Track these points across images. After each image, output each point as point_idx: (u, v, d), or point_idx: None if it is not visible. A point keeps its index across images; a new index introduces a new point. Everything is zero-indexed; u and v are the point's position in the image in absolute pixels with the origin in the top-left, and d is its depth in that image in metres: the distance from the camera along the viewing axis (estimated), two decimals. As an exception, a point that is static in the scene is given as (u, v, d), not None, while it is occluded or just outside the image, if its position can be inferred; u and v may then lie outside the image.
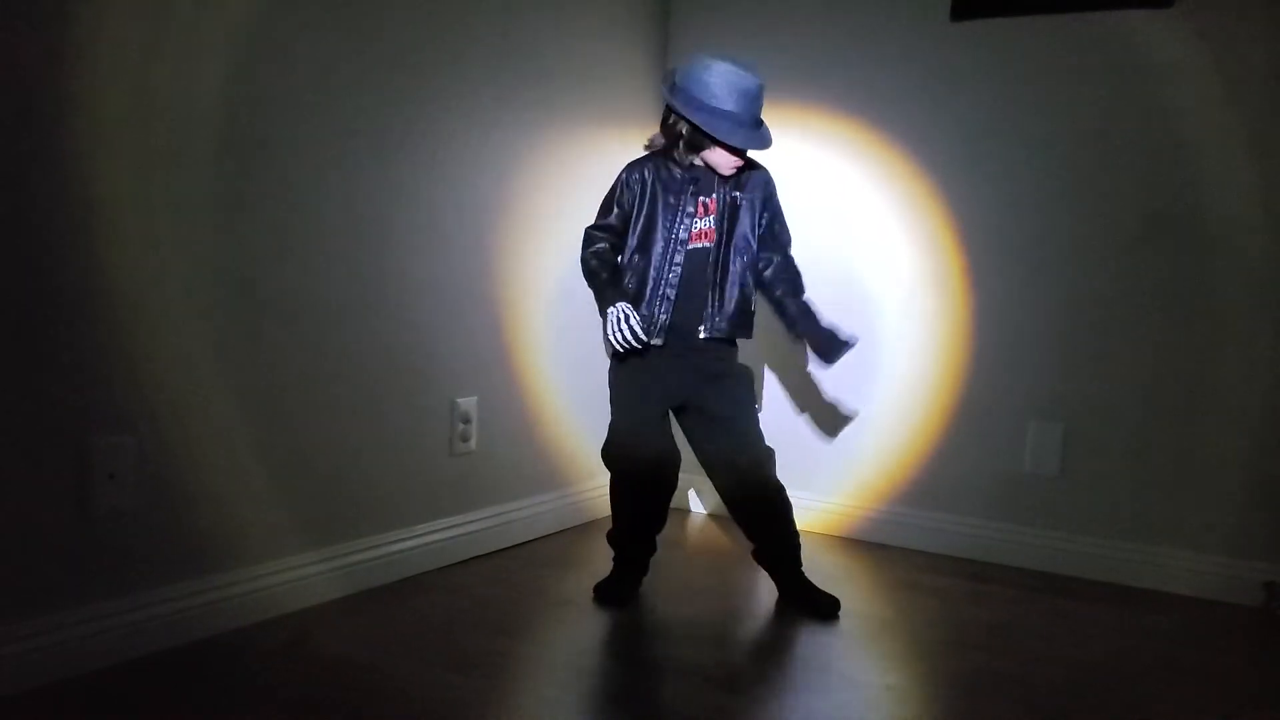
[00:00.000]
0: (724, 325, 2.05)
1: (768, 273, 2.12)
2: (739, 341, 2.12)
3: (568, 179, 2.60)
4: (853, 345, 2.06)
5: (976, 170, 2.56)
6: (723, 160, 2.01)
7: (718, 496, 2.16)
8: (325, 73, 1.92)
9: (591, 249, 2.09)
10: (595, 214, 2.12)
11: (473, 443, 2.35)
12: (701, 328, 2.05)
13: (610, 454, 2.11)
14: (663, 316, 2.03)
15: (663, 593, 2.20)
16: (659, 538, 2.20)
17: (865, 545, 2.67)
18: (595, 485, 2.80)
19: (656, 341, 2.03)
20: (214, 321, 1.77)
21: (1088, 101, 2.43)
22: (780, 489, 2.11)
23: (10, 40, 1.44)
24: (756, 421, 2.11)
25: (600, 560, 2.28)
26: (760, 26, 2.81)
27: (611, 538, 2.18)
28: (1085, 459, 2.47)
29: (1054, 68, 2.46)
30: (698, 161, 2.04)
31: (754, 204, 2.07)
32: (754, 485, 2.09)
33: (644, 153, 2.12)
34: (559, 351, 2.63)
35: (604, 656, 1.88)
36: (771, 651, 1.91)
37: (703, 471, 2.15)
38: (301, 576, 1.95)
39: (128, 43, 1.59)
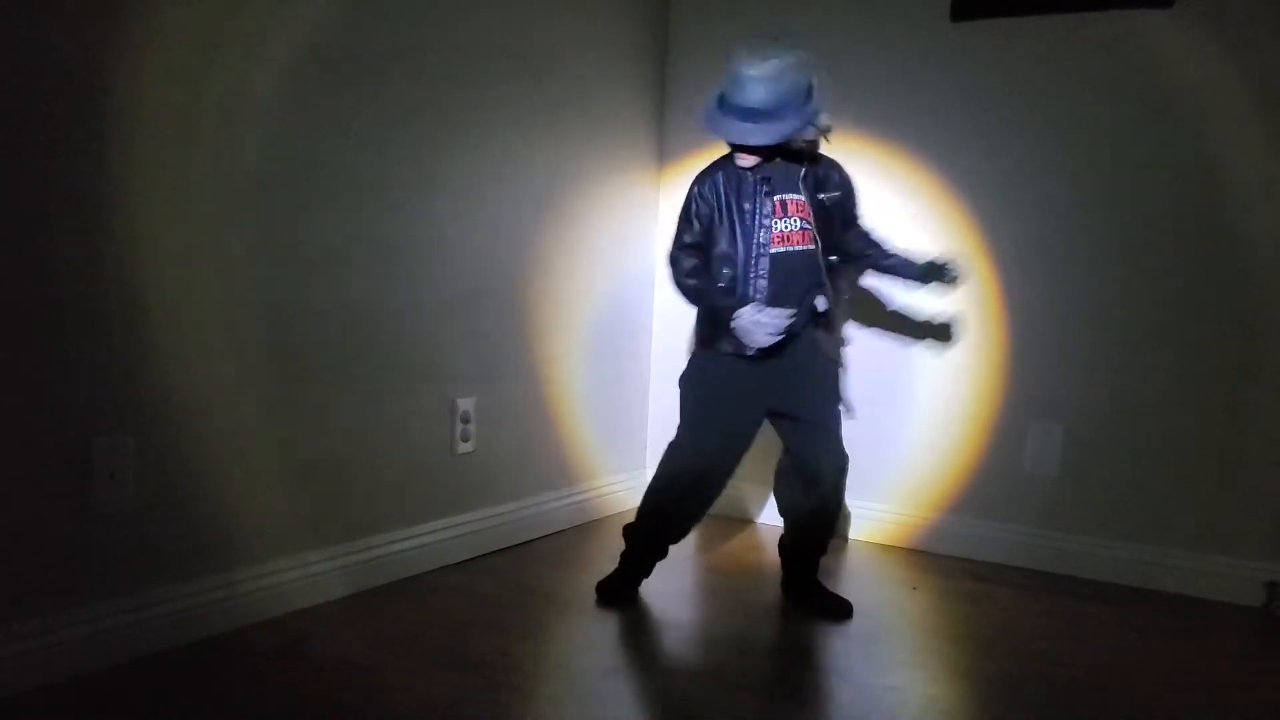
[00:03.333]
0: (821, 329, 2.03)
1: (857, 250, 2.11)
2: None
3: (568, 180, 2.60)
4: (950, 269, 2.06)
5: (976, 171, 2.56)
6: (743, 160, 1.97)
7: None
8: (329, 83, 1.92)
9: (683, 271, 2.00)
10: (674, 235, 2.05)
11: (473, 443, 2.35)
12: (803, 332, 2.00)
13: (669, 477, 2.07)
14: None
15: (664, 593, 2.20)
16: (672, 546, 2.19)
17: (866, 545, 2.66)
18: (595, 485, 2.80)
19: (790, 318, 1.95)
20: (214, 322, 1.77)
21: (1088, 102, 2.43)
22: (840, 500, 2.11)
23: (43, 47, 1.44)
24: (838, 424, 2.07)
25: (600, 560, 2.28)
26: (760, 29, 2.81)
27: (628, 533, 2.16)
28: (1085, 459, 2.47)
29: (1054, 68, 2.46)
30: (744, 161, 1.97)
31: (832, 202, 2.03)
32: (821, 492, 2.05)
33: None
34: (559, 352, 2.63)
35: (604, 656, 1.88)
36: (773, 652, 1.91)
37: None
38: (301, 576, 1.95)
39: (147, 46, 1.59)
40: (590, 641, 1.94)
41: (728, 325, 1.94)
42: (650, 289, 3.00)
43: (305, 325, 1.93)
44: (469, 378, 2.33)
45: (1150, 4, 2.33)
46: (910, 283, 2.13)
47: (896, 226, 2.65)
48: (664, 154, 3.00)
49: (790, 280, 1.99)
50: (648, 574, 2.18)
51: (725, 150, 2.04)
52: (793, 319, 1.94)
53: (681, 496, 2.08)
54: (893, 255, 2.12)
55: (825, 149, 2.06)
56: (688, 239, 2.02)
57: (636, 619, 2.05)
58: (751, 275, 1.97)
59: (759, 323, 1.90)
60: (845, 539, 2.73)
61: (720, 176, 2.01)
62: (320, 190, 1.93)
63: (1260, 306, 2.28)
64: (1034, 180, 2.50)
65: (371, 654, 1.75)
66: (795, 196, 1.98)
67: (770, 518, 2.89)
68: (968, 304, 2.59)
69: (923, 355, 2.64)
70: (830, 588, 2.17)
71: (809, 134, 1.97)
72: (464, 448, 2.33)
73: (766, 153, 1.96)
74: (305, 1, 1.86)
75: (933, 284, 2.09)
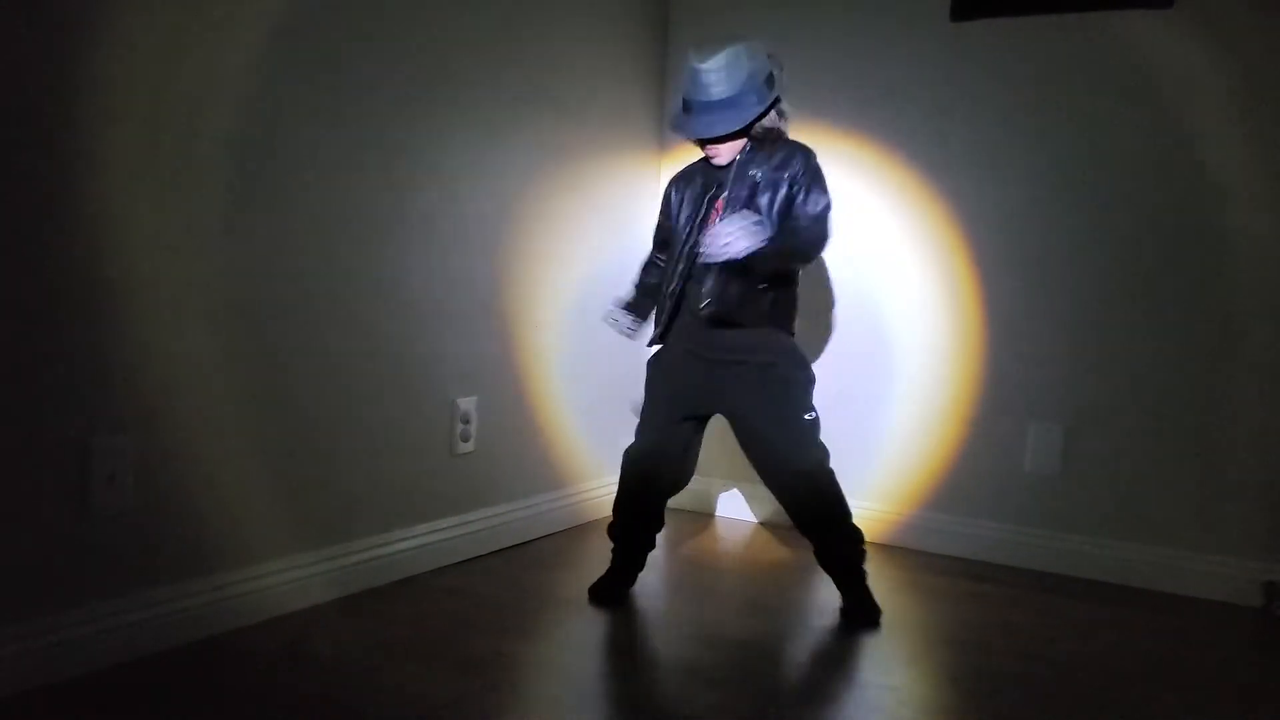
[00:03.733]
0: (721, 307, 1.93)
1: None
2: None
3: (568, 181, 2.60)
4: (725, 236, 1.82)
5: (976, 171, 2.56)
6: (705, 151, 2.00)
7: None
8: (327, 77, 1.92)
9: (643, 267, 2.24)
10: None
11: (473, 443, 2.35)
12: (732, 335, 1.96)
13: (625, 457, 2.13)
14: (664, 318, 2.06)
15: (663, 593, 2.20)
16: (659, 536, 2.19)
17: (867, 545, 2.66)
18: (595, 485, 2.80)
19: (630, 328, 2.18)
20: (214, 323, 1.77)
21: (1088, 102, 2.43)
22: (829, 495, 2.00)
23: (16, 39, 1.44)
24: (796, 430, 1.97)
25: (600, 560, 2.28)
26: (759, 29, 2.81)
27: (609, 530, 2.19)
28: (1085, 459, 2.47)
29: (1054, 68, 2.46)
30: (718, 159, 1.99)
31: (776, 183, 1.93)
32: (801, 495, 2.01)
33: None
34: (559, 352, 2.63)
35: (604, 656, 1.88)
36: (773, 652, 1.91)
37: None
38: (301, 576, 1.95)
39: (137, 43, 1.59)
40: (589, 642, 1.94)
41: (658, 316, 2.08)
42: (650, 289, 3.00)
43: (304, 324, 1.93)
44: (469, 378, 2.34)
45: (1150, 4, 2.33)
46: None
47: (895, 226, 2.66)
48: (664, 152, 3.00)
49: (701, 273, 1.98)
50: (639, 567, 2.18)
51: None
52: (626, 328, 2.17)
53: (634, 474, 2.10)
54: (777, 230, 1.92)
55: (793, 135, 2.03)
56: (655, 235, 2.22)
57: (635, 619, 2.05)
58: (671, 280, 2.04)
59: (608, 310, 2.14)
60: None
61: (680, 183, 2.09)
62: (320, 190, 1.93)
63: (1260, 307, 2.28)
64: (1034, 179, 2.50)
65: (370, 654, 1.75)
66: (720, 197, 1.98)
67: (734, 511, 2.91)
68: (968, 304, 2.59)
69: (923, 355, 2.64)
70: (827, 587, 2.16)
71: (775, 121, 1.96)
72: (464, 448, 2.33)
73: (734, 149, 1.96)
74: None
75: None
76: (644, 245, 2.94)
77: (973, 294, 2.58)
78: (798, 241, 1.92)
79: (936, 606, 2.22)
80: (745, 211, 1.89)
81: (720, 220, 1.88)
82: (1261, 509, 2.29)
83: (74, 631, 1.58)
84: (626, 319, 2.19)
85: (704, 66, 1.87)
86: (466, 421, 2.33)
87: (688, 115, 1.94)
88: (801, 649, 1.95)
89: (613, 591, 2.13)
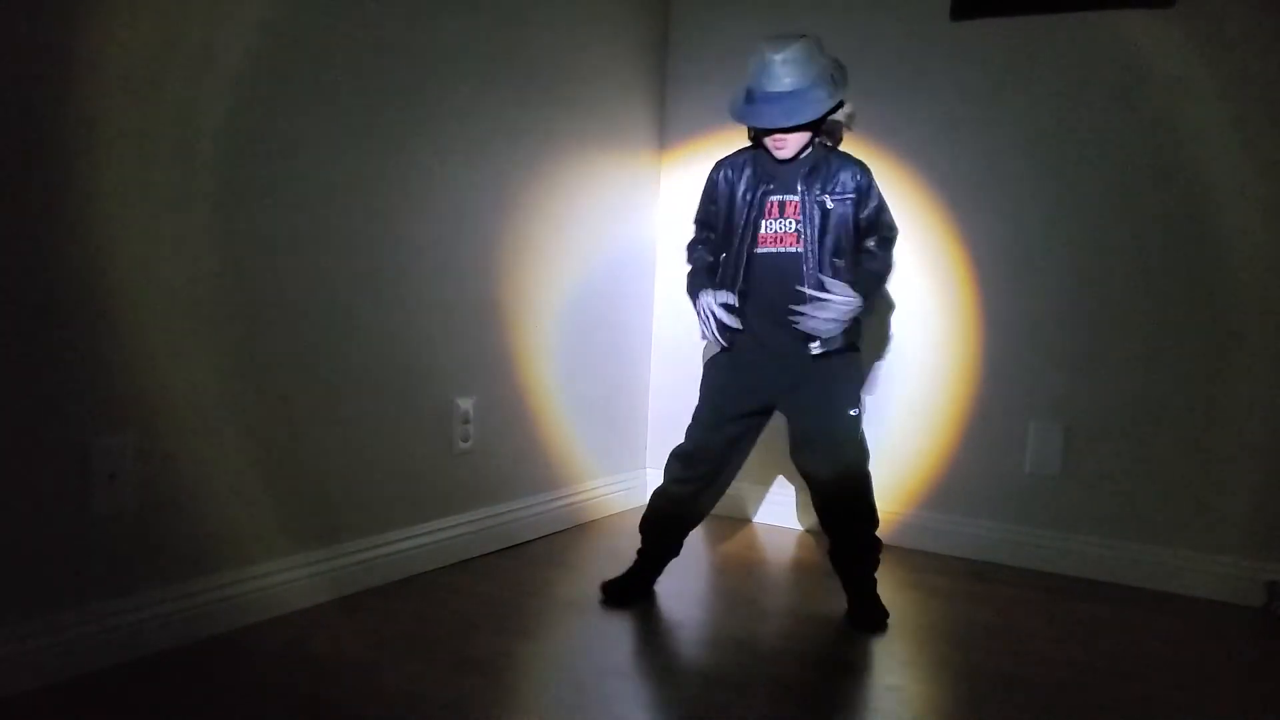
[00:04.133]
0: (785, 336, 1.96)
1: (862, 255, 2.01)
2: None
3: (568, 180, 2.60)
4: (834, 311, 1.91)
5: (977, 170, 2.56)
6: (770, 145, 1.96)
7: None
8: (327, 76, 1.92)
9: (690, 244, 2.13)
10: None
11: (472, 443, 2.35)
12: (788, 337, 1.96)
13: (670, 457, 2.10)
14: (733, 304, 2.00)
15: (664, 593, 2.20)
16: (686, 540, 2.18)
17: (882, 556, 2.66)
18: (595, 485, 2.80)
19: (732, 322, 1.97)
20: (214, 322, 1.77)
21: (1088, 102, 2.43)
22: (863, 500, 2.04)
23: (13, 39, 1.44)
24: (846, 427, 1.99)
25: (599, 560, 2.29)
26: (759, 28, 2.81)
27: (640, 525, 2.16)
28: (1085, 459, 2.46)
29: (1054, 68, 2.46)
30: (781, 152, 1.96)
31: (847, 205, 1.96)
32: (831, 498, 2.03)
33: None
34: (559, 352, 2.63)
35: (604, 656, 1.88)
36: (772, 652, 1.91)
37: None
38: (301, 576, 1.95)
39: (132, 43, 1.59)
40: (590, 641, 1.94)
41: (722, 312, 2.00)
42: (651, 286, 3.00)
43: (304, 324, 1.93)
44: (469, 378, 2.33)
45: (1151, 4, 2.33)
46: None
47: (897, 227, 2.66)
48: (664, 152, 3.00)
49: (770, 282, 1.97)
50: (658, 571, 2.17)
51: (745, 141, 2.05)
52: (730, 320, 1.97)
53: (678, 477, 2.08)
54: (866, 265, 2.00)
55: (845, 146, 2.04)
56: (697, 214, 2.12)
57: (636, 619, 2.05)
58: (733, 271, 1.99)
59: (705, 314, 1.99)
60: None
61: (730, 167, 2.04)
62: (319, 189, 1.93)
63: (1260, 307, 2.28)
64: (1034, 179, 2.50)
65: (371, 654, 1.75)
66: (794, 198, 1.96)
67: (774, 518, 2.89)
68: (968, 304, 2.59)
69: (923, 355, 2.64)
70: (827, 587, 2.16)
71: (839, 117, 1.97)
72: (463, 448, 2.33)
73: (800, 141, 1.95)
74: None
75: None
76: (645, 245, 2.96)
77: (973, 294, 2.58)
78: (881, 285, 2.04)
79: (937, 606, 2.22)
80: (841, 285, 1.91)
81: (828, 296, 1.90)
82: (1261, 509, 2.29)
83: (74, 631, 1.58)
84: (732, 319, 1.99)
85: (779, 56, 1.87)
86: (466, 421, 2.33)
87: (752, 105, 1.91)
88: (802, 650, 1.95)
89: (627, 591, 2.12)
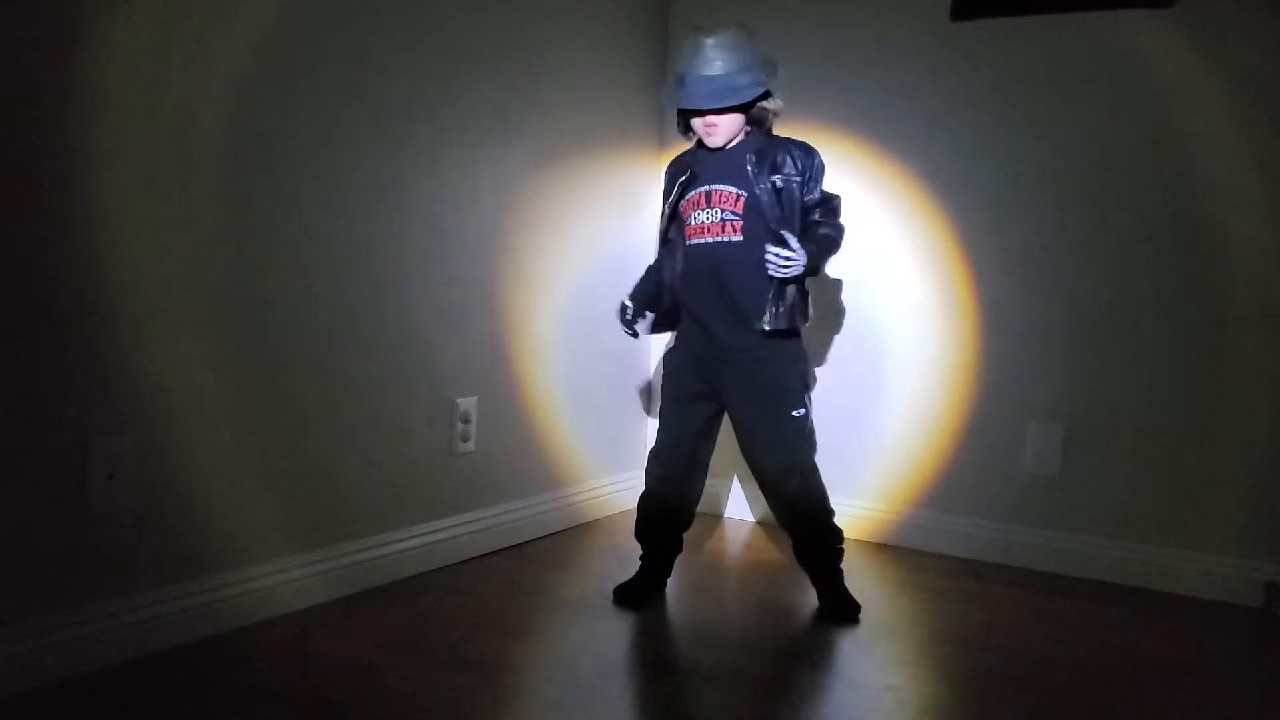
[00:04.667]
0: (724, 329, 1.98)
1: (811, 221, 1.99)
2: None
3: (567, 180, 2.60)
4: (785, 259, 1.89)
5: (977, 170, 2.56)
6: (699, 130, 1.98)
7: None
8: (325, 76, 1.92)
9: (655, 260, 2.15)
10: None
11: (473, 443, 2.35)
12: (723, 326, 1.97)
13: (651, 453, 2.13)
14: (678, 316, 2.06)
15: (668, 594, 2.20)
16: (685, 536, 2.19)
17: (866, 545, 2.66)
18: (595, 485, 2.80)
19: (640, 328, 2.10)
20: (214, 322, 1.77)
21: (1088, 102, 2.43)
22: (814, 496, 2.02)
23: (15, 38, 1.44)
24: (791, 430, 1.98)
25: (600, 560, 2.29)
26: (759, 28, 2.80)
27: (637, 532, 2.17)
28: (1085, 459, 2.46)
29: (1054, 68, 2.46)
30: (713, 139, 1.97)
31: (791, 186, 1.94)
32: (787, 494, 2.02)
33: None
34: (558, 352, 2.63)
35: (603, 656, 1.88)
36: (772, 652, 1.91)
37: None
38: (301, 576, 1.95)
39: (135, 44, 1.59)
40: (589, 642, 1.94)
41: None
42: (650, 289, 3.00)
43: (304, 324, 1.93)
44: (469, 378, 2.34)
45: (1151, 4, 2.33)
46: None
47: (896, 226, 2.66)
48: (664, 151, 3.00)
49: (702, 273, 1.98)
50: (668, 571, 2.17)
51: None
52: (627, 318, 2.07)
53: (654, 477, 2.11)
54: (818, 228, 1.98)
55: (784, 132, 2.05)
56: (660, 226, 2.11)
57: (635, 619, 2.05)
58: (673, 264, 2.05)
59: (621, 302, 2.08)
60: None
61: (670, 166, 2.08)
62: (319, 190, 1.93)
63: (1260, 306, 2.28)
64: (1033, 179, 2.50)
65: (371, 654, 1.75)
66: (723, 187, 1.96)
67: (740, 512, 2.91)
68: (968, 304, 2.59)
69: (922, 355, 2.64)
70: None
71: (769, 105, 1.97)
72: (464, 448, 2.33)
73: (732, 127, 1.96)
74: None
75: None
76: (643, 245, 2.95)
77: (973, 294, 2.58)
78: (836, 247, 2.02)
79: (936, 606, 2.22)
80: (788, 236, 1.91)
81: (777, 245, 1.89)
82: (1261, 509, 2.29)
83: (74, 631, 1.58)
84: (633, 326, 2.10)
85: (710, 40, 1.89)
86: (466, 421, 2.33)
87: (682, 88, 1.93)
88: (801, 649, 1.95)
89: (637, 595, 2.11)
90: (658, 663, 1.86)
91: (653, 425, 2.99)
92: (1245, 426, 2.31)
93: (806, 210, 1.98)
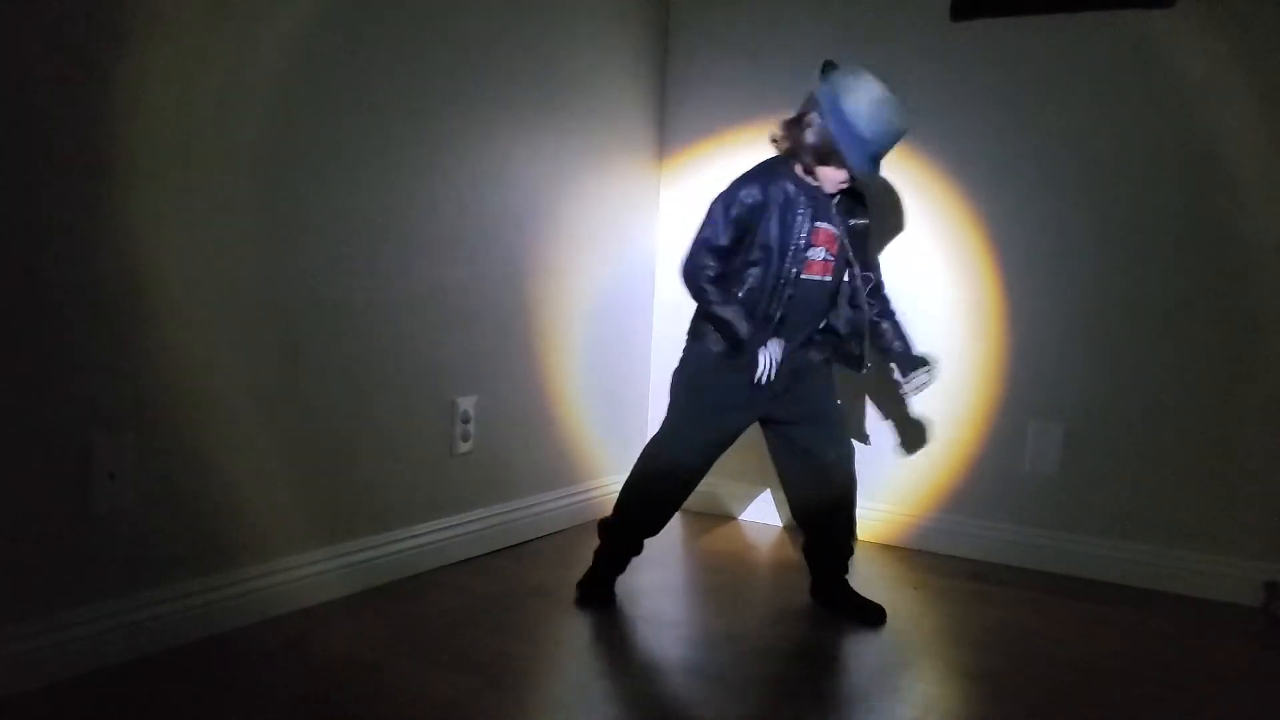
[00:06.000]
0: (799, 354, 2.00)
1: (866, 291, 2.06)
2: None
3: (568, 180, 2.60)
4: (931, 376, 2.06)
5: (975, 170, 2.56)
6: (832, 180, 1.93)
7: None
8: (326, 75, 1.92)
9: (706, 279, 1.94)
10: (704, 229, 1.96)
11: (473, 443, 2.35)
12: (808, 356, 2.02)
13: (649, 469, 2.07)
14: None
15: (662, 592, 2.20)
16: (663, 536, 2.18)
17: (866, 545, 2.66)
18: (595, 485, 2.80)
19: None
20: (215, 321, 1.77)
21: (1088, 102, 2.43)
22: (854, 490, 2.10)
23: (19, 38, 1.44)
24: (842, 416, 2.09)
25: (600, 560, 2.28)
26: (759, 27, 2.81)
27: (605, 527, 2.13)
28: (1085, 459, 2.46)
29: (1054, 68, 2.46)
30: (812, 180, 1.94)
31: (863, 230, 2.04)
32: (836, 483, 2.05)
33: (773, 151, 2.00)
34: (558, 351, 2.63)
35: (603, 656, 1.88)
36: (772, 652, 1.91)
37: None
38: (301, 576, 1.95)
39: (165, 56, 1.59)
40: (590, 641, 1.94)
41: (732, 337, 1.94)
42: (650, 287, 3.00)
43: (305, 323, 1.93)
44: (469, 377, 2.33)
45: (1151, 4, 2.33)
46: (893, 367, 2.12)
47: (896, 226, 2.66)
48: (664, 150, 3.00)
49: (804, 312, 1.98)
50: (623, 570, 2.15)
51: (770, 153, 2.00)
52: (786, 358, 1.95)
53: (665, 490, 2.07)
54: (895, 324, 2.11)
55: None
56: (714, 239, 1.94)
57: (635, 619, 2.05)
58: (771, 301, 1.94)
59: (769, 366, 1.91)
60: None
61: (769, 186, 1.93)
62: (319, 189, 1.93)
63: (1259, 306, 2.28)
64: (1033, 179, 2.50)
65: (371, 654, 1.75)
66: (827, 226, 1.97)
67: (758, 515, 2.89)
68: (968, 304, 2.59)
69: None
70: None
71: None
72: (464, 448, 2.33)
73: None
74: None
75: (909, 380, 2.08)
76: (645, 244, 2.96)
77: (972, 294, 2.58)
78: (890, 302, 2.17)
79: (937, 606, 2.22)
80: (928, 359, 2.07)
81: (922, 373, 2.06)
82: (1261, 509, 2.29)
83: (74, 631, 1.57)
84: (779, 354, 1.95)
85: (901, 130, 1.89)
86: (466, 421, 2.33)
87: (854, 142, 1.87)
88: (801, 649, 1.95)
89: (601, 590, 2.11)
90: (657, 663, 1.86)
91: (653, 425, 2.99)
92: (1245, 426, 2.31)
93: (868, 254, 2.09)
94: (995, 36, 2.52)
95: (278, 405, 1.89)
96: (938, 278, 2.62)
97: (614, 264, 2.82)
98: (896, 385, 2.12)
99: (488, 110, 2.30)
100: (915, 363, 2.08)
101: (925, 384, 2.08)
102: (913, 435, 2.67)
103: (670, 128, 2.99)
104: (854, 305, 2.03)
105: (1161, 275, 2.37)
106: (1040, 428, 2.51)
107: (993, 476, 2.57)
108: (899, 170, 2.65)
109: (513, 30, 2.36)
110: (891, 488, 2.70)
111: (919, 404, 2.65)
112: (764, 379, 1.92)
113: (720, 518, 2.89)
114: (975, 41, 2.54)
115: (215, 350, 1.77)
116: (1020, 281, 2.53)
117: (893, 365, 2.11)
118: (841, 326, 2.04)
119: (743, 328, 1.92)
